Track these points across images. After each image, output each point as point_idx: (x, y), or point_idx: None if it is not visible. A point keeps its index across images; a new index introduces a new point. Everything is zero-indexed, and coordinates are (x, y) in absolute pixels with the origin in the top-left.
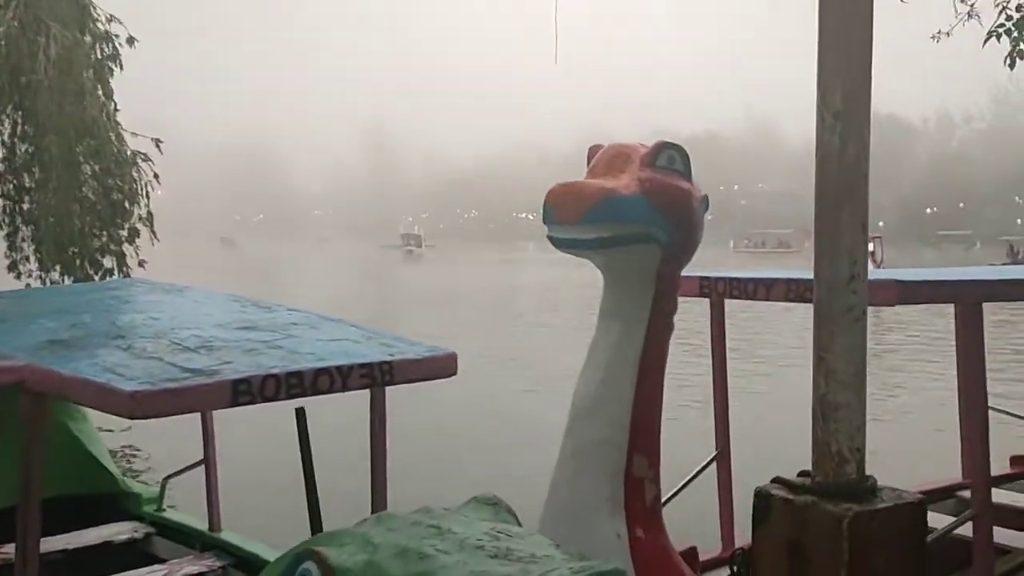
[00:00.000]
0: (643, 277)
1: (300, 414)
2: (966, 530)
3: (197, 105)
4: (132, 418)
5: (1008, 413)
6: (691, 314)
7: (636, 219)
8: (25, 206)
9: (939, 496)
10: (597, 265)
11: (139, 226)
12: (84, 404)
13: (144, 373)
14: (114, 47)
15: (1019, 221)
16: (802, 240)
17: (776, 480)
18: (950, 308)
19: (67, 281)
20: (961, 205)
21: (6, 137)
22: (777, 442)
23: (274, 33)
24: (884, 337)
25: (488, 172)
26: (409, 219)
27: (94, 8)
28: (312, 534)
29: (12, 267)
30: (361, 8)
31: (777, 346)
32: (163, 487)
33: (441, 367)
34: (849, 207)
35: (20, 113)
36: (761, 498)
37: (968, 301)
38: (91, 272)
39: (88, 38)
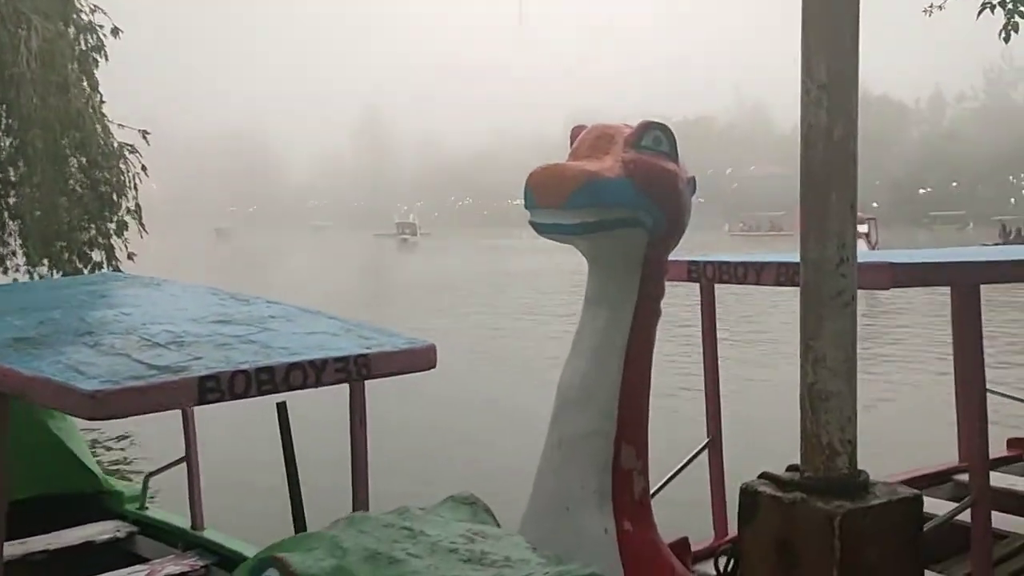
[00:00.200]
0: (629, 262)
1: (282, 409)
2: (963, 515)
3: (190, 97)
4: (93, 419)
5: (1007, 396)
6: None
7: (621, 202)
8: (11, 200)
9: (936, 480)
10: (581, 251)
11: (127, 219)
12: (45, 405)
13: (108, 371)
14: (98, 38)
15: (1012, 200)
16: (794, 223)
17: (763, 475)
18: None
19: (55, 275)
20: (954, 185)
21: None
22: (771, 429)
23: (267, 23)
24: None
25: (482, 160)
26: (404, 208)
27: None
28: (295, 531)
29: (0, 261)
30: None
31: (769, 330)
32: (145, 485)
33: (420, 360)
34: (837, 186)
35: (4, 107)
36: (747, 495)
37: (965, 283)
38: (80, 266)
39: (72, 29)
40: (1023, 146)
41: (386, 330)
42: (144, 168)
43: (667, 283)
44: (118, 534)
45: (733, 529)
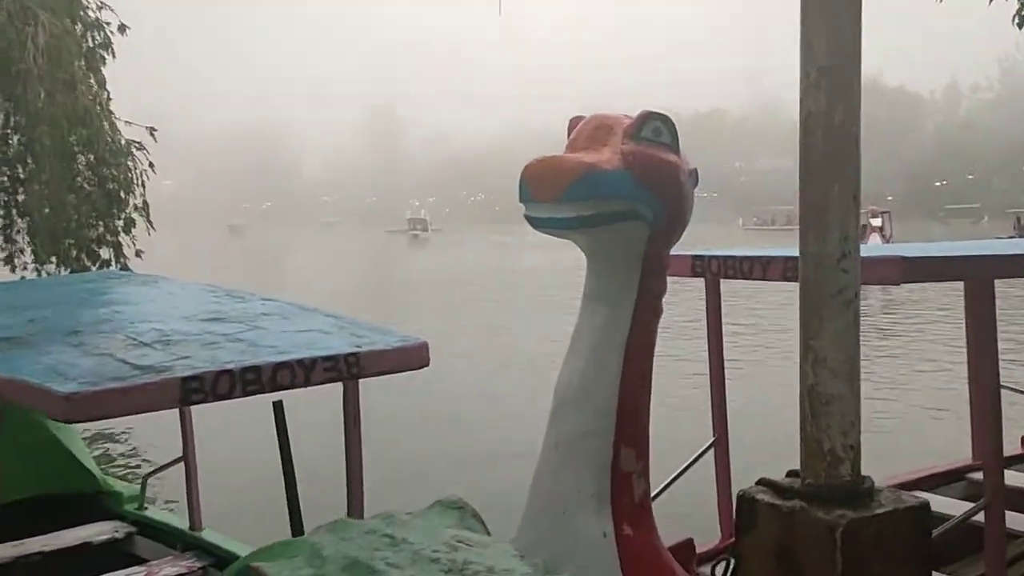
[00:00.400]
0: (629, 257)
1: (278, 408)
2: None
3: (203, 95)
4: (69, 421)
5: (1022, 392)
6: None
7: (620, 195)
8: (20, 198)
9: (949, 479)
10: (580, 245)
11: (135, 216)
12: (24, 406)
13: (88, 373)
14: (105, 35)
15: None
16: None
17: (761, 481)
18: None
19: (63, 273)
20: (970, 177)
21: (1, 129)
22: (778, 428)
23: (276, 20)
24: None
25: (494, 155)
26: (416, 203)
27: None
28: (292, 530)
29: (8, 260)
30: None
31: (776, 327)
32: (144, 485)
33: (412, 358)
34: (838, 175)
35: (11, 104)
36: (745, 503)
37: (978, 278)
38: (88, 263)
39: (79, 26)
40: None
41: (380, 328)
42: (152, 165)
43: (672, 279)
44: (116, 535)
45: None
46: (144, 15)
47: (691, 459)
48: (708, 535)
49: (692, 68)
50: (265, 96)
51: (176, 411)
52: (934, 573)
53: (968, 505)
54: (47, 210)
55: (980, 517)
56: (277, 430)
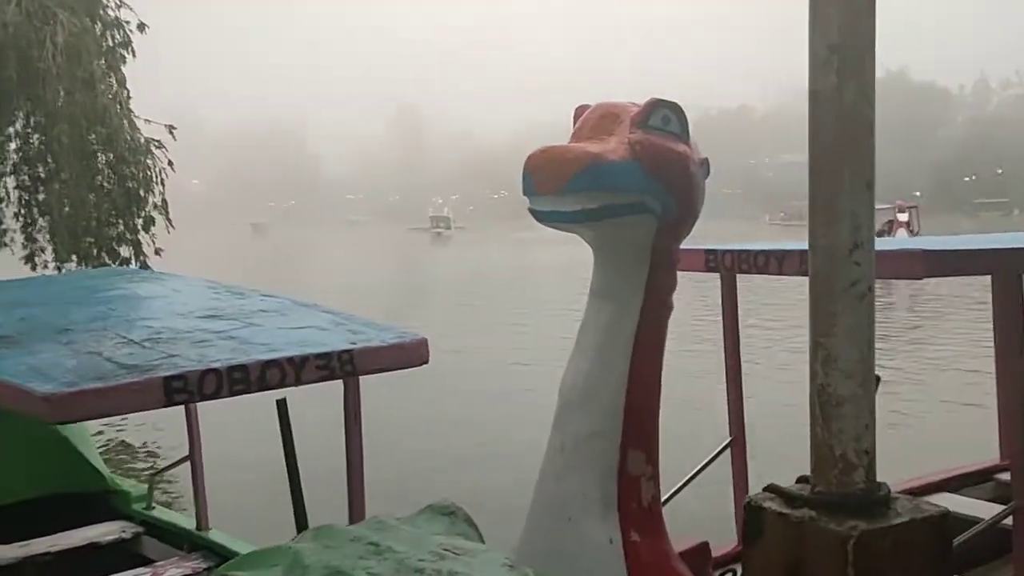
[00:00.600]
0: (637, 252)
1: (281, 406)
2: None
3: (228, 93)
4: (51, 422)
5: None
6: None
7: (627, 187)
8: (40, 196)
9: (976, 479)
10: (586, 240)
11: (154, 214)
12: (4, 407)
13: (70, 372)
14: (125, 34)
15: None
16: None
17: (769, 488)
18: None
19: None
20: (999, 171)
21: (19, 127)
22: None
23: (303, 19)
24: None
25: (517, 152)
26: (439, 201)
27: None
28: (297, 530)
29: (29, 259)
30: None
31: (802, 323)
32: (151, 485)
33: (410, 355)
34: (850, 159)
35: (31, 103)
36: (751, 511)
37: (1005, 271)
38: (108, 262)
39: (99, 25)
40: None
41: (379, 324)
42: (171, 163)
43: (687, 274)
44: (123, 535)
45: None
46: (167, 13)
47: (706, 460)
48: (727, 538)
49: (718, 64)
50: (290, 94)
51: (182, 409)
52: None
53: (996, 507)
54: (67, 209)
55: (1009, 520)
56: (281, 429)
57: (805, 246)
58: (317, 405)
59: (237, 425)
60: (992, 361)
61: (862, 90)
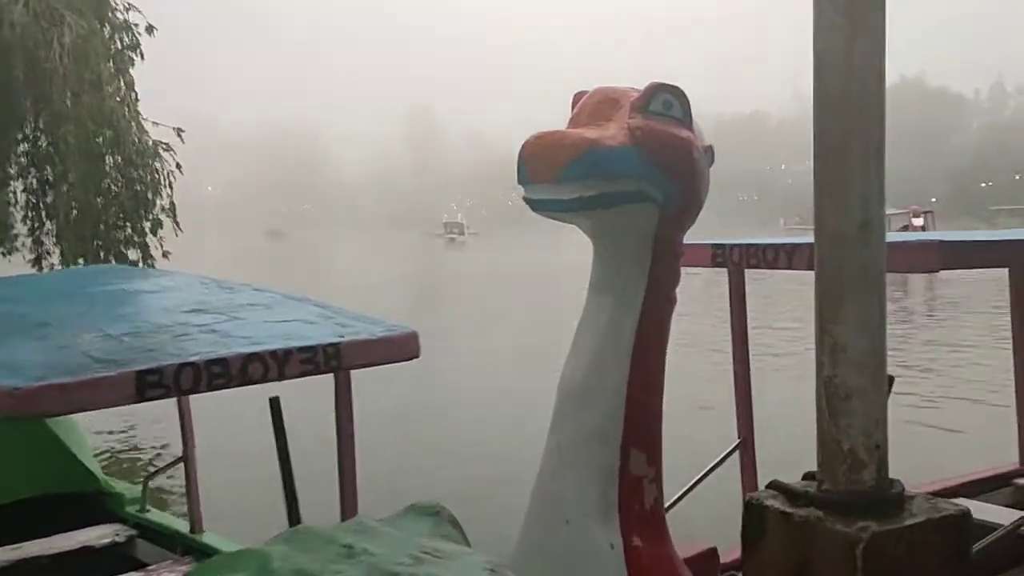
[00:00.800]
0: (638, 243)
1: (275, 404)
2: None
3: (241, 99)
4: (17, 417)
5: None
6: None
7: (626, 174)
8: (48, 199)
9: (994, 485)
10: (584, 230)
11: (162, 216)
12: None
13: (41, 367)
14: (133, 36)
15: None
16: None
17: (772, 485)
18: None
19: None
20: (1017, 177)
21: (28, 130)
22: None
23: (316, 21)
24: None
25: None
26: (453, 206)
27: None
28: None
29: (36, 262)
30: None
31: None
32: (145, 487)
33: (400, 349)
34: (858, 125)
35: (39, 105)
36: (753, 510)
37: (1022, 264)
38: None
39: (107, 28)
40: None
41: (368, 317)
42: (179, 166)
43: (695, 270)
44: (117, 538)
45: None
46: (182, 18)
47: (714, 462)
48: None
49: (733, 71)
50: (304, 100)
51: (176, 409)
52: None
53: (1016, 513)
54: (75, 212)
55: None
56: (274, 427)
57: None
58: (319, 399)
59: (234, 421)
60: None
61: (873, 48)
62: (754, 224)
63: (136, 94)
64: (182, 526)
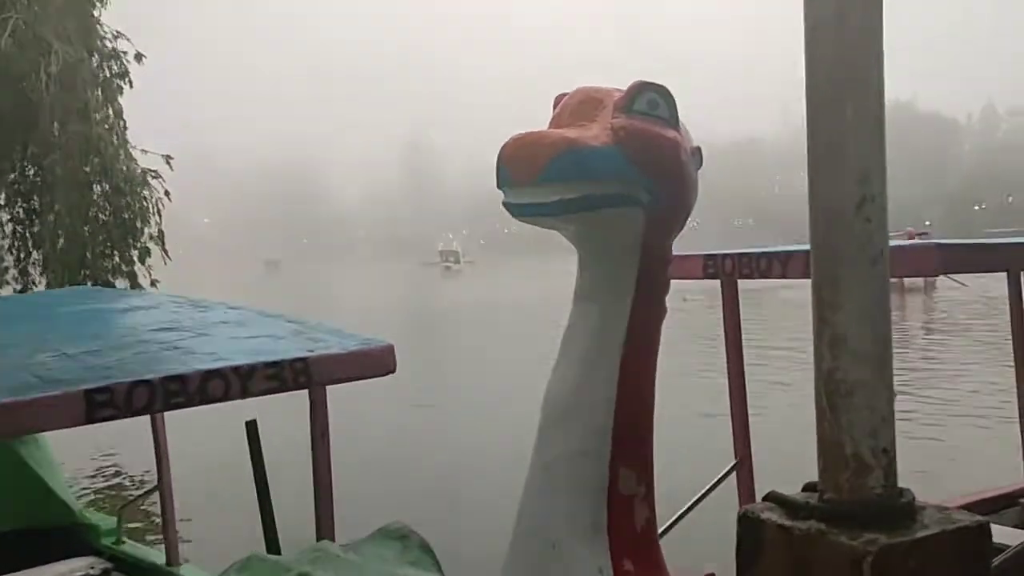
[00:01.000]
0: (623, 248)
1: (251, 427)
2: None
3: (240, 131)
4: None
5: None
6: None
7: (609, 176)
8: (35, 229)
9: (999, 505)
10: (567, 237)
11: (150, 245)
12: None
13: None
14: (122, 64)
15: None
16: None
17: (769, 497)
18: None
19: None
20: (1010, 200)
21: (15, 159)
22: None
23: (310, 59)
24: None
25: None
26: (449, 235)
27: (101, 26)
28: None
29: (22, 293)
30: (394, 25)
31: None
32: (120, 518)
33: (374, 364)
34: (854, 93)
35: (25, 134)
36: (748, 525)
37: (1021, 268)
38: None
39: (96, 57)
40: None
41: (343, 332)
42: (167, 193)
43: (689, 282)
44: (91, 571)
45: None
46: (179, 50)
47: (710, 484)
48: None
49: (725, 97)
50: (302, 130)
51: (150, 435)
52: None
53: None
54: (61, 241)
55: None
56: (251, 451)
57: (809, 247)
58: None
59: (214, 443)
60: None
61: (870, 8)
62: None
63: (125, 122)
64: (158, 558)
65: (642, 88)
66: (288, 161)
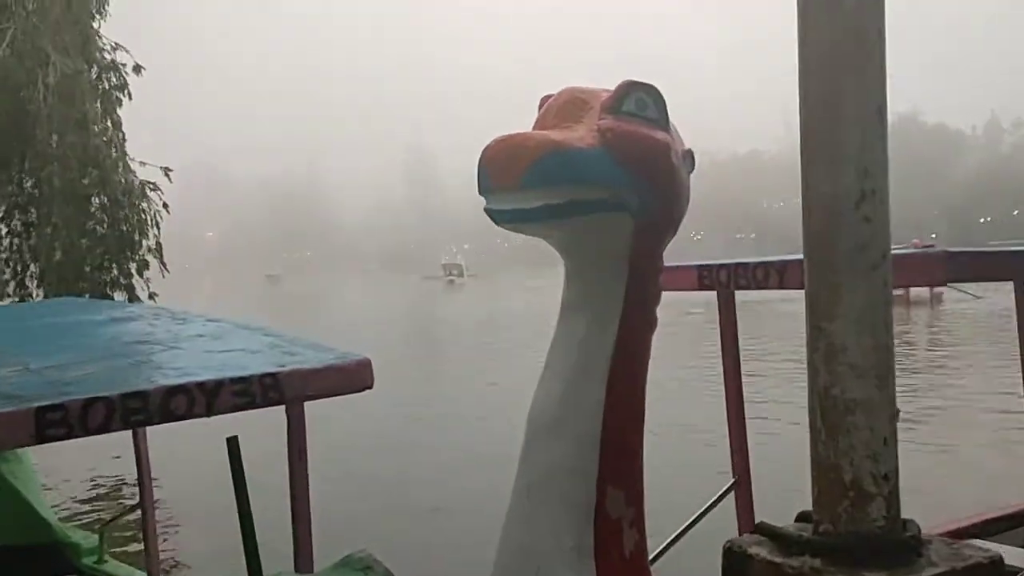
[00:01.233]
0: (612, 256)
1: (232, 445)
2: None
3: (245, 146)
4: None
5: None
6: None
7: (596, 179)
8: (32, 241)
9: (1008, 524)
10: (552, 244)
11: (148, 257)
12: None
13: None
14: (121, 76)
15: None
16: None
17: (759, 528)
18: None
19: None
20: (1015, 212)
21: (12, 171)
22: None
23: (315, 72)
24: None
25: None
26: (453, 249)
27: (100, 37)
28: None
29: None
30: (399, 37)
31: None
32: (101, 536)
33: (350, 379)
34: (853, 77)
35: (23, 146)
36: (734, 559)
37: None
38: None
39: (95, 68)
40: None
41: (320, 346)
42: (166, 205)
43: (692, 295)
44: None
45: None
46: (183, 64)
47: (705, 506)
48: None
49: (727, 111)
50: (304, 144)
51: (132, 452)
52: None
53: None
54: (58, 254)
55: None
56: (232, 470)
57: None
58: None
59: (199, 462)
60: None
61: None
62: None
63: (124, 134)
64: None
65: (630, 88)
66: (291, 175)
